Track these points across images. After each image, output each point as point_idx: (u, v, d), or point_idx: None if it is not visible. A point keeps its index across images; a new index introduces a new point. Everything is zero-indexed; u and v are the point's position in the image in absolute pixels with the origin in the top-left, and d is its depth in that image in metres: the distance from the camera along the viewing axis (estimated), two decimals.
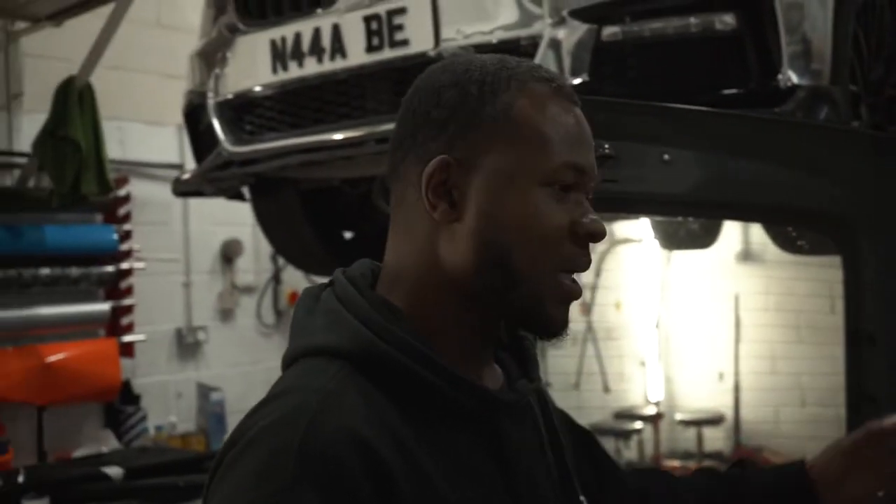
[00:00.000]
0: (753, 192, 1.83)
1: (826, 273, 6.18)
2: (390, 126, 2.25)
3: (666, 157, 1.73)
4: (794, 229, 2.63)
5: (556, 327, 0.91)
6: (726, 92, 2.00)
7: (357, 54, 2.23)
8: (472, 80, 0.89)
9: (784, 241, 2.90)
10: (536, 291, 0.88)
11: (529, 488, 0.91)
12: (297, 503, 0.74)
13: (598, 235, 0.90)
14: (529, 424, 0.97)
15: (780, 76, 1.97)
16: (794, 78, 1.99)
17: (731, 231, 6.02)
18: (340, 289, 0.90)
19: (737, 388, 6.69)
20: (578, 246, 0.89)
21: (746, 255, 6.63)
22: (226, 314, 4.54)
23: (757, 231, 5.74)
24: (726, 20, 1.98)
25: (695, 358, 7.01)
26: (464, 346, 0.90)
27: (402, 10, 2.16)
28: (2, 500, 3.27)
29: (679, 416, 6.81)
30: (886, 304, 1.92)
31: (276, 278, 4.70)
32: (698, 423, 6.69)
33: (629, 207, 2.10)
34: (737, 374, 6.71)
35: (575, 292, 0.91)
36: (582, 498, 0.99)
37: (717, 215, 2.32)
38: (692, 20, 1.98)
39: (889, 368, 1.90)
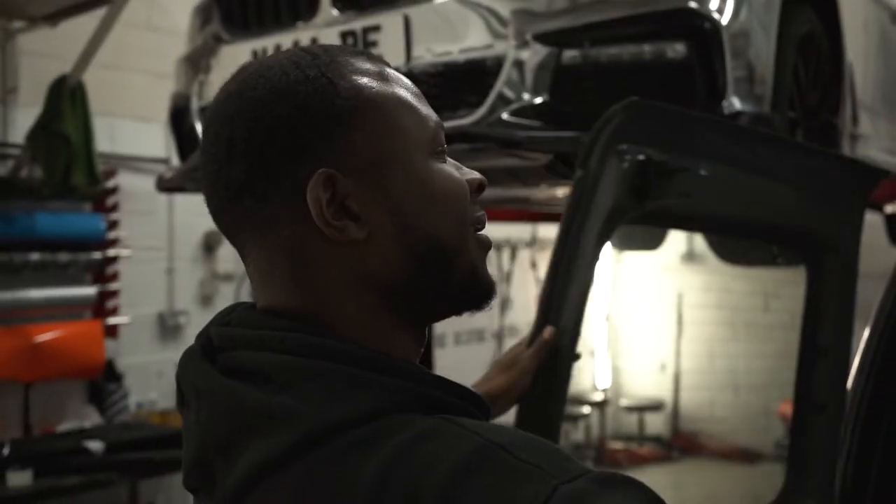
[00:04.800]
0: (761, 210, 1.75)
1: (760, 274, 6.26)
2: None
3: (703, 172, 1.59)
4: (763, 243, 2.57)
5: (491, 289, 0.78)
6: None
7: None
8: (297, 80, 0.69)
9: (724, 251, 2.90)
10: (468, 258, 0.75)
11: None
12: None
13: (484, 184, 0.78)
14: None
15: (724, 102, 1.96)
16: (738, 104, 1.98)
17: (677, 234, 6.06)
18: (337, 348, 0.68)
19: (677, 378, 6.76)
20: (474, 204, 0.76)
21: (690, 257, 6.69)
22: (206, 300, 4.49)
23: (699, 236, 5.79)
24: (677, 48, 1.98)
25: (640, 350, 7.06)
26: (415, 357, 0.76)
27: (376, 28, 2.14)
28: None
29: (624, 403, 6.87)
30: (840, 320, 1.90)
31: None
32: (641, 409, 6.76)
33: (682, 224, 1.98)
34: (678, 365, 6.77)
35: (488, 243, 0.78)
36: None
37: (731, 232, 2.19)
38: (646, 48, 1.98)
39: (835, 378, 1.88)
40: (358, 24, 2.16)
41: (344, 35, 2.18)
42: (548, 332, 1.38)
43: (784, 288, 6.27)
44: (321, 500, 0.64)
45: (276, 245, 0.71)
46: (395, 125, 0.72)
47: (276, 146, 0.68)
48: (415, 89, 0.76)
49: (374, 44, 2.14)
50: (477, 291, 0.77)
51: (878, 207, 4.79)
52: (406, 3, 2.11)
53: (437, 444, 0.62)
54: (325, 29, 2.21)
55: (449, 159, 0.77)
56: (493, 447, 0.61)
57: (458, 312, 0.78)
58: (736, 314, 6.59)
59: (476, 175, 0.78)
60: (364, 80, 0.71)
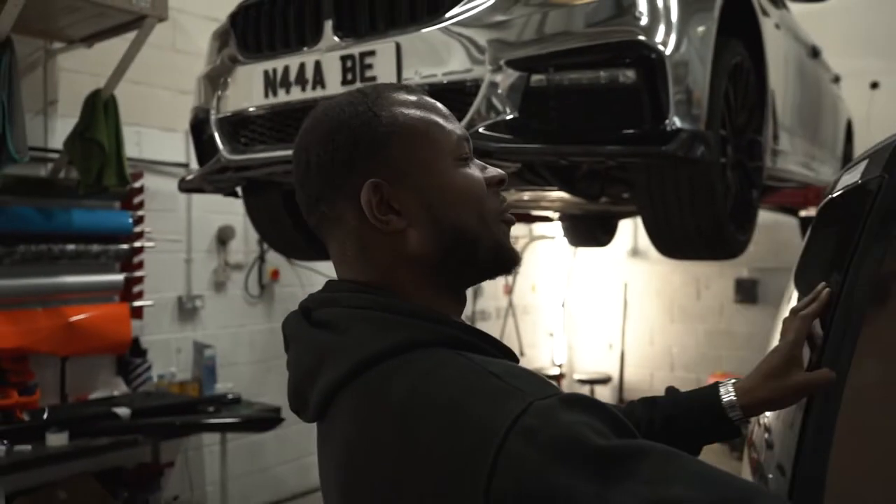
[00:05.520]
0: None
1: (693, 267, 6.31)
2: None
3: None
4: None
5: (516, 257, 0.87)
6: (626, 132, 2.00)
7: (334, 86, 2.20)
8: (351, 115, 0.82)
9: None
10: (492, 237, 0.84)
11: None
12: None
13: (504, 179, 0.86)
14: None
15: (667, 121, 1.98)
16: (678, 122, 2.00)
17: (624, 233, 6.10)
18: (385, 302, 0.79)
19: (622, 356, 6.81)
20: (496, 194, 0.86)
21: (635, 252, 6.74)
22: (219, 286, 4.46)
23: (643, 233, 5.83)
24: (628, 74, 1.98)
25: (591, 331, 7.11)
26: (456, 314, 0.86)
27: (372, 53, 2.14)
28: (29, 432, 3.19)
29: (577, 376, 6.92)
30: None
31: (261, 258, 4.63)
32: (591, 382, 6.81)
33: None
34: (623, 344, 6.83)
35: (511, 221, 0.87)
36: None
37: None
38: (601, 73, 1.99)
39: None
40: (356, 50, 2.16)
41: (343, 59, 2.18)
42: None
43: (712, 280, 6.34)
44: (369, 410, 0.74)
45: (345, 236, 0.83)
46: (423, 142, 0.82)
47: (338, 165, 0.81)
48: (443, 111, 0.86)
49: (369, 66, 2.14)
50: (502, 261, 0.86)
51: (794, 212, 4.86)
52: (398, 33, 2.11)
53: (451, 370, 0.72)
54: (328, 53, 2.21)
55: (477, 161, 0.87)
56: (490, 375, 0.71)
57: (489, 277, 0.87)
58: (672, 301, 6.66)
59: (496, 172, 0.87)
60: (401, 110, 0.83)
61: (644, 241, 5.83)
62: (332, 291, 0.83)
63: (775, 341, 1.63)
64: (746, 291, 6.15)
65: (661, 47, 1.97)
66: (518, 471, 0.63)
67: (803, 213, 4.87)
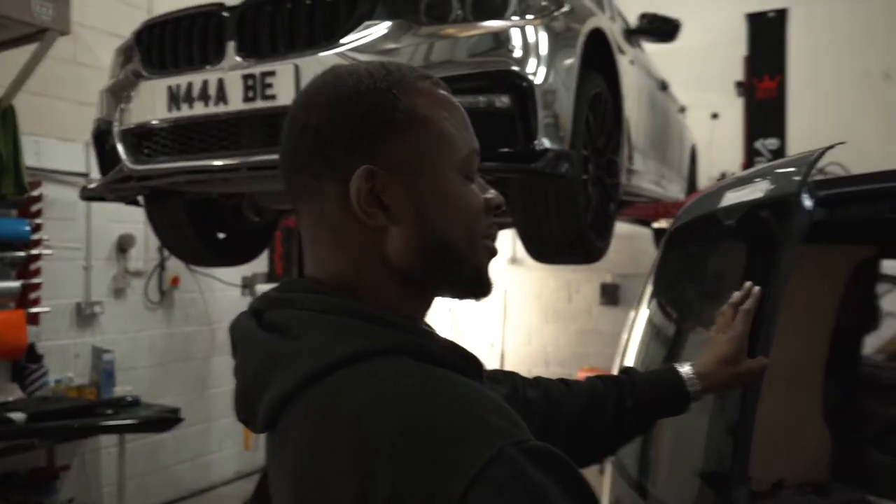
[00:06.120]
0: None
1: (565, 274, 6.58)
2: (261, 157, 2.23)
3: None
4: None
5: (490, 286, 0.76)
6: (501, 150, 2.08)
7: (236, 102, 2.20)
8: (369, 90, 0.69)
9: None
10: (475, 261, 0.73)
11: None
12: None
13: (501, 205, 0.76)
14: None
15: (536, 141, 2.08)
16: (546, 143, 2.10)
17: (504, 243, 6.28)
18: (343, 305, 0.68)
19: (502, 354, 7.00)
20: (489, 217, 0.75)
21: (514, 260, 6.95)
22: (119, 292, 4.30)
23: (521, 243, 5.99)
24: (503, 100, 2.08)
25: (474, 332, 7.26)
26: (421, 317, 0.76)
27: (272, 73, 2.16)
28: None
29: None
30: None
31: (162, 266, 4.50)
32: None
33: None
34: (503, 344, 7.01)
35: (495, 251, 0.76)
36: None
37: None
38: (480, 98, 2.06)
39: None
40: (257, 70, 2.17)
41: (245, 77, 2.18)
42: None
43: (582, 284, 6.64)
44: (323, 421, 0.63)
45: (319, 216, 0.71)
46: (434, 142, 0.71)
47: (338, 137, 0.69)
48: (464, 118, 0.75)
49: (269, 86, 2.16)
50: (478, 288, 0.76)
51: (648, 223, 5.18)
52: (297, 56, 2.14)
53: (411, 382, 0.63)
54: (230, 72, 2.20)
55: (479, 180, 0.76)
56: (456, 397, 0.62)
57: (459, 299, 0.76)
58: (548, 304, 6.90)
59: (495, 196, 0.76)
60: (421, 101, 0.71)
61: (522, 250, 6.02)
62: (287, 291, 0.72)
63: (634, 337, 1.76)
64: (610, 295, 6.49)
65: (531, 77, 2.09)
66: None
67: (656, 225, 5.18)
